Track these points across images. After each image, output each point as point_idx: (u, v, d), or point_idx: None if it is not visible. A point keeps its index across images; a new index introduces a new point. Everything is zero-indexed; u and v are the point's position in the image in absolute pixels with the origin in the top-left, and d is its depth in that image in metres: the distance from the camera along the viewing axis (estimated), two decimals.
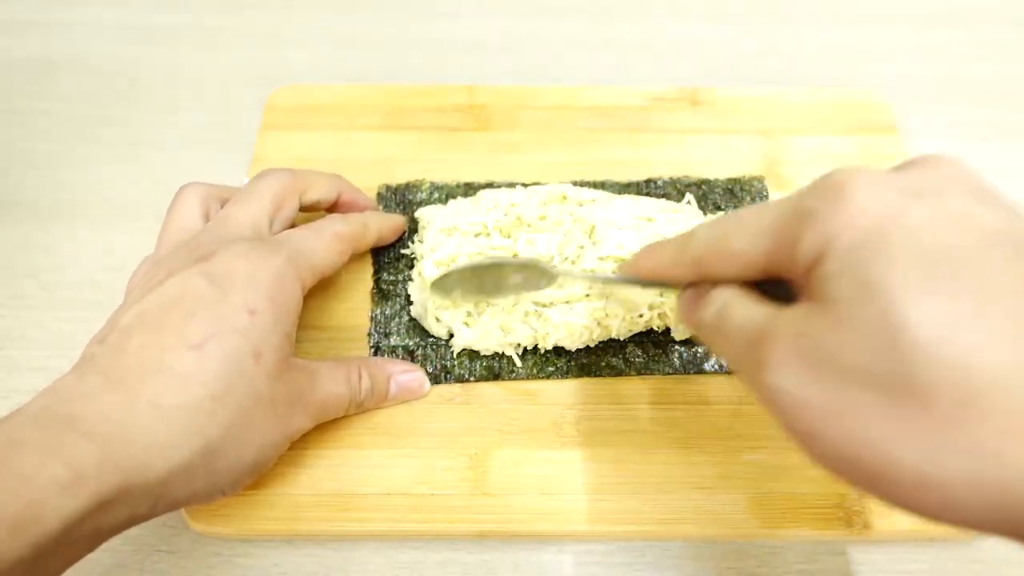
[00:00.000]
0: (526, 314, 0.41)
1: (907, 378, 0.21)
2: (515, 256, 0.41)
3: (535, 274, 0.39)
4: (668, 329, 0.42)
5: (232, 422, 0.32)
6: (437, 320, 0.41)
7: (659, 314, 0.41)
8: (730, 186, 0.48)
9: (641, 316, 0.41)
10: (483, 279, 0.39)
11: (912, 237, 0.23)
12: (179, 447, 0.30)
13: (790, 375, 0.24)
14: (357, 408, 0.39)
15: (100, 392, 0.30)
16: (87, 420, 0.29)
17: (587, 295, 0.41)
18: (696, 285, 0.32)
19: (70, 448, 0.28)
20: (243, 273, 0.34)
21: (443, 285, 0.39)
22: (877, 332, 0.22)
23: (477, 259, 0.41)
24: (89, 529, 0.28)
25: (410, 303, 0.43)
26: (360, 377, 0.39)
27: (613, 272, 0.40)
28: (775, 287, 0.29)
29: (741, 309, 0.28)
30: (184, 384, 0.31)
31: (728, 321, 0.28)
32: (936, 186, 0.24)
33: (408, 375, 0.41)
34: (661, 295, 0.41)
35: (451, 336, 0.42)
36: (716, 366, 0.42)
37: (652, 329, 0.42)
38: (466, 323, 0.41)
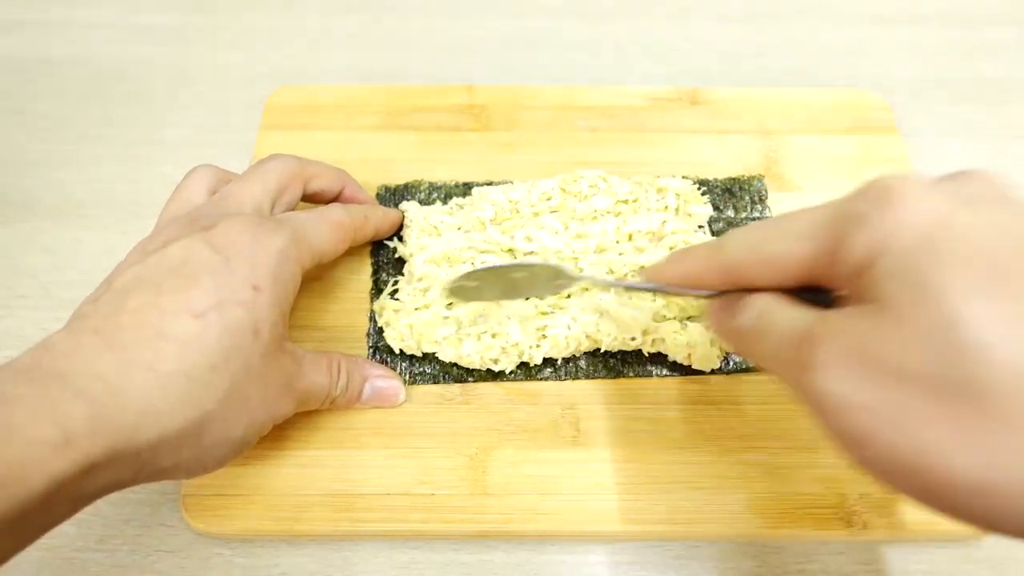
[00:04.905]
0: (508, 345, 0.40)
1: (964, 380, 0.21)
2: (527, 257, 0.41)
3: (553, 277, 0.38)
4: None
5: (226, 395, 0.31)
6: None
7: (653, 340, 0.41)
8: (729, 185, 0.48)
9: (633, 339, 0.41)
10: (499, 282, 0.38)
11: (964, 240, 0.23)
12: (173, 415, 0.29)
13: (839, 377, 0.24)
14: (331, 404, 0.39)
15: (94, 351, 0.29)
16: (80, 379, 0.28)
17: (581, 308, 0.41)
18: (726, 294, 0.31)
19: (62, 407, 0.27)
20: (247, 247, 0.33)
21: (461, 291, 0.38)
22: (933, 333, 0.22)
23: (494, 262, 0.40)
24: (73, 492, 0.27)
25: None
26: (339, 372, 0.38)
27: (634, 277, 0.39)
28: (809, 296, 0.28)
29: (782, 312, 0.28)
30: (183, 351, 0.30)
31: (768, 325, 0.28)
32: (979, 193, 0.24)
33: (385, 381, 0.40)
34: (664, 319, 0.40)
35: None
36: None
37: None
38: (450, 344, 0.41)
